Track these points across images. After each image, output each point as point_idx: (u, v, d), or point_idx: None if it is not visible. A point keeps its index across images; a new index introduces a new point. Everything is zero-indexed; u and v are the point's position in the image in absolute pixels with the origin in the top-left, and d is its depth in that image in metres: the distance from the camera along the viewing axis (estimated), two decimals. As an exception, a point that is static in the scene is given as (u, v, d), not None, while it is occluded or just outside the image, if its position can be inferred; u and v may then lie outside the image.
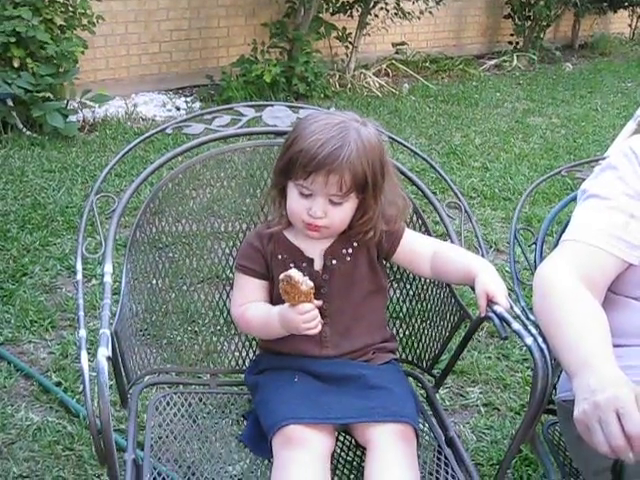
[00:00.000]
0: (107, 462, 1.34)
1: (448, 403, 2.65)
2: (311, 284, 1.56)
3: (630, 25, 12.61)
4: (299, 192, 1.63)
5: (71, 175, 4.70)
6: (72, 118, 5.58)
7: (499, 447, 2.43)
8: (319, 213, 1.62)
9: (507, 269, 3.25)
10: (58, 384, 2.63)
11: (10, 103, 5.28)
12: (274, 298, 1.72)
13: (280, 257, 1.72)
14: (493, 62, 9.55)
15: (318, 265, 1.72)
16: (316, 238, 1.69)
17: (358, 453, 1.69)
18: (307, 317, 1.58)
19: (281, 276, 1.55)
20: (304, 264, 1.70)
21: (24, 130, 5.35)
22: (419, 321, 1.97)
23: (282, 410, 1.57)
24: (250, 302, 1.73)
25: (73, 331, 2.94)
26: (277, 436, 1.54)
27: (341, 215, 1.64)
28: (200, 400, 1.86)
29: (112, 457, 1.33)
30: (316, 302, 1.59)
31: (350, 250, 1.73)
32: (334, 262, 1.71)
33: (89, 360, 1.40)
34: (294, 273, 1.54)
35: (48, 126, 5.27)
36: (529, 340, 1.45)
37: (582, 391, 1.30)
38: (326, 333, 1.69)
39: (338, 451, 1.69)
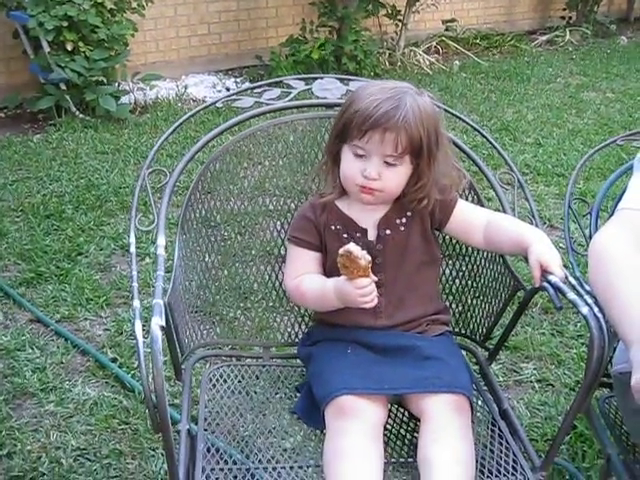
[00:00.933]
0: (161, 431, 1.35)
1: (502, 379, 2.63)
2: (369, 258, 1.55)
3: (688, -4, 12.24)
4: (354, 153, 1.63)
5: (123, 156, 4.76)
6: (124, 100, 5.65)
7: (553, 423, 2.40)
8: (374, 174, 1.61)
9: (561, 245, 3.20)
10: (114, 360, 2.68)
11: (63, 87, 5.36)
12: (327, 270, 1.72)
13: (333, 228, 1.71)
14: (545, 37, 9.36)
15: (372, 235, 1.71)
16: (370, 203, 1.68)
17: (411, 425, 1.69)
18: (365, 291, 1.58)
19: (340, 251, 1.54)
20: (358, 234, 1.70)
21: (77, 113, 5.43)
22: (472, 296, 1.95)
23: (335, 380, 1.57)
24: (304, 274, 1.73)
25: (127, 308, 2.99)
26: (330, 406, 1.54)
27: (395, 178, 1.64)
28: (253, 374, 1.87)
29: (166, 425, 1.34)
30: (373, 277, 1.58)
31: (404, 220, 1.72)
32: (388, 232, 1.71)
33: (143, 336, 1.41)
34: (353, 248, 1.53)
35: (101, 109, 5.34)
36: (585, 309, 1.42)
37: (640, 360, 1.28)
38: (380, 304, 1.68)
39: (391, 423, 1.68)
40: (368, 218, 1.72)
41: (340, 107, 1.73)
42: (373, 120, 1.58)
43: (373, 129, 1.58)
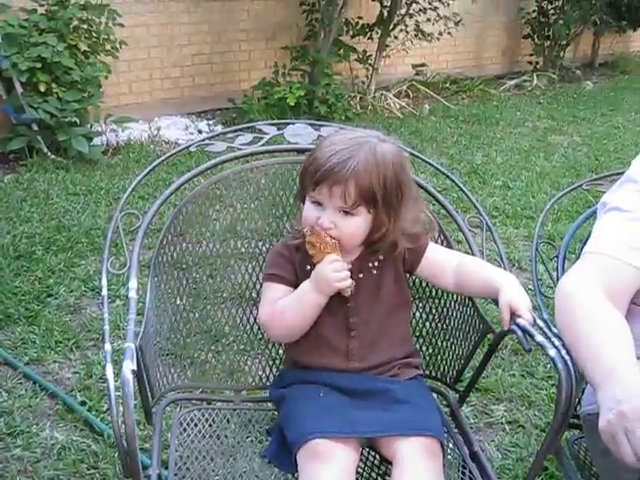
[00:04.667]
0: (132, 476, 1.34)
1: (473, 421, 2.63)
2: (335, 240, 1.60)
3: (651, 43, 12.57)
4: (311, 201, 1.66)
5: (95, 198, 4.75)
6: (96, 142, 5.65)
7: (524, 465, 2.41)
8: (326, 224, 1.63)
9: (530, 287, 3.23)
10: (83, 403, 2.65)
11: (35, 128, 5.35)
12: None
13: (308, 267, 1.71)
14: (513, 82, 9.55)
15: None
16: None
17: (382, 469, 1.69)
18: (336, 266, 1.61)
19: (305, 229, 1.57)
20: None
21: (49, 154, 5.42)
22: (442, 338, 1.97)
23: (308, 424, 1.57)
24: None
25: (97, 351, 2.96)
26: (302, 450, 1.54)
27: (351, 227, 1.64)
28: (224, 417, 1.87)
29: (137, 469, 1.33)
30: (345, 264, 1.63)
31: (376, 263, 1.74)
32: (360, 275, 1.72)
33: (114, 378, 1.41)
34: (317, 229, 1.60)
35: (73, 150, 5.34)
36: (552, 352, 1.44)
37: (607, 401, 1.30)
38: (352, 346, 1.70)
39: (362, 467, 1.68)
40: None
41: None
42: (321, 173, 1.60)
43: (322, 182, 1.60)
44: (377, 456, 1.70)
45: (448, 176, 2.09)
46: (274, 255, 1.79)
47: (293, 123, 2.04)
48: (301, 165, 1.73)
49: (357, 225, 1.65)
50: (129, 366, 1.36)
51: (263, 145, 1.98)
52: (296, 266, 1.74)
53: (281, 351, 1.97)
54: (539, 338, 1.50)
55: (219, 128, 6.80)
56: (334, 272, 1.61)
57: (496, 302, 1.62)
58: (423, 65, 8.82)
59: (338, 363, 1.71)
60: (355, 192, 1.59)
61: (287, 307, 1.69)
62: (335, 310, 1.69)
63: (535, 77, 9.59)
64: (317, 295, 1.65)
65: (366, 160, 1.60)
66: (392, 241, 1.69)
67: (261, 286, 1.84)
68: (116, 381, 1.40)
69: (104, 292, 1.66)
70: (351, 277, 1.70)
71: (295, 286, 1.73)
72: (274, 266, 1.76)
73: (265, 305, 1.74)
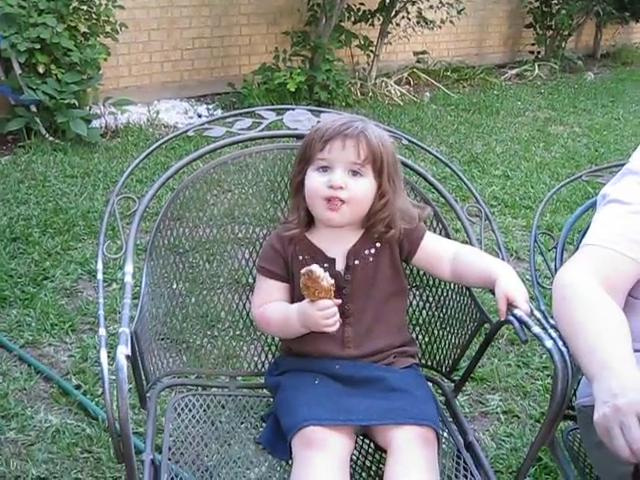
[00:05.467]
0: (125, 460, 1.34)
1: (468, 410, 2.63)
2: (332, 281, 1.56)
3: (653, 35, 12.55)
4: (318, 168, 1.67)
5: (93, 181, 4.74)
6: (95, 124, 5.64)
7: (519, 455, 2.41)
8: (339, 182, 1.64)
9: (528, 277, 3.23)
10: (77, 387, 2.65)
11: (34, 109, 5.33)
12: (295, 299, 1.72)
13: (301, 258, 1.73)
14: (514, 71, 9.53)
15: (340, 265, 1.72)
16: (336, 223, 1.69)
17: (377, 457, 1.68)
18: (326, 313, 1.59)
19: (302, 270, 1.56)
20: (326, 264, 1.71)
21: (47, 136, 5.41)
22: (438, 327, 1.96)
23: (303, 411, 1.57)
24: (269, 302, 1.74)
25: (93, 335, 2.96)
26: (297, 437, 1.54)
27: (361, 189, 1.67)
28: (219, 403, 1.86)
29: (130, 453, 1.33)
30: (335, 300, 1.59)
31: (373, 250, 1.74)
32: (357, 262, 1.72)
33: (109, 363, 1.40)
34: (315, 268, 1.55)
35: (71, 132, 5.32)
36: (549, 343, 1.44)
37: (603, 395, 1.29)
38: (348, 333, 1.70)
39: (357, 455, 1.68)
40: (337, 248, 1.73)
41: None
42: (332, 130, 1.66)
43: (333, 138, 1.65)
44: (372, 444, 1.70)
45: (447, 164, 2.07)
46: (267, 247, 1.80)
47: (293, 109, 2.02)
48: (302, 143, 1.75)
49: (366, 187, 1.68)
50: (123, 351, 1.36)
51: (262, 130, 1.96)
52: (288, 259, 1.74)
53: (277, 338, 1.96)
54: (536, 329, 1.50)
55: (218, 112, 6.78)
56: (324, 319, 1.60)
57: (493, 292, 1.61)
58: (424, 52, 8.79)
59: (334, 350, 1.70)
60: (367, 147, 1.65)
61: (273, 320, 1.73)
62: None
63: (536, 67, 9.57)
64: (303, 328, 1.67)
65: (370, 127, 1.70)
66: (390, 219, 1.71)
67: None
68: (111, 365, 1.39)
69: (99, 276, 1.65)
70: (346, 264, 1.71)
71: (286, 280, 1.75)
72: (266, 259, 1.78)
73: (256, 302, 1.78)
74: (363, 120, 1.71)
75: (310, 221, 1.76)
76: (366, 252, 1.73)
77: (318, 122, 1.95)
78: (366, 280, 1.73)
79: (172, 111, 6.69)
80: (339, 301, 1.61)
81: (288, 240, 1.75)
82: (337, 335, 1.68)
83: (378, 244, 1.74)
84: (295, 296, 1.72)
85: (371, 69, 7.88)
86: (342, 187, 1.64)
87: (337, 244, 1.73)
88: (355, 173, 1.66)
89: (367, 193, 1.68)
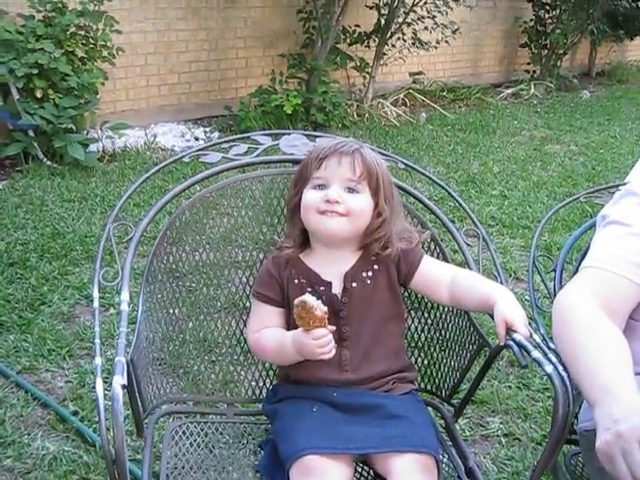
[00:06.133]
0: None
1: (468, 433, 2.61)
2: (325, 309, 1.55)
3: (647, 53, 12.62)
4: (314, 186, 1.69)
5: (90, 205, 4.73)
6: (92, 148, 5.63)
7: (520, 478, 2.39)
8: (335, 196, 1.65)
9: (527, 297, 3.22)
10: (75, 413, 2.63)
11: (31, 134, 5.34)
12: (291, 324, 1.71)
13: (297, 281, 1.72)
14: (510, 90, 9.57)
15: (337, 288, 1.72)
16: (334, 232, 1.68)
17: (377, 484, 1.67)
18: (322, 342, 1.58)
19: (295, 301, 1.54)
20: (322, 288, 1.70)
21: (45, 160, 5.41)
22: (438, 350, 1.95)
23: (301, 440, 1.55)
24: (265, 328, 1.73)
25: (91, 360, 2.94)
26: (295, 466, 1.52)
27: (358, 203, 1.68)
28: (217, 430, 1.85)
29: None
30: (330, 327, 1.58)
31: (370, 273, 1.73)
32: (354, 285, 1.71)
33: (105, 389, 1.39)
34: (308, 298, 1.53)
35: (69, 157, 5.32)
36: (549, 368, 1.43)
37: (604, 420, 1.28)
38: (345, 356, 1.69)
39: (356, 482, 1.66)
40: (333, 271, 1.72)
41: None
42: (327, 149, 1.70)
43: (329, 156, 1.68)
44: (371, 472, 1.68)
45: (443, 187, 2.07)
46: (263, 272, 1.80)
47: (289, 134, 2.02)
48: (300, 165, 1.77)
49: (362, 202, 1.69)
50: (119, 381, 1.35)
51: (258, 155, 1.96)
52: (284, 283, 1.74)
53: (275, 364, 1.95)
54: (535, 354, 1.48)
55: (215, 135, 6.80)
56: (319, 347, 1.59)
57: (492, 316, 1.60)
58: (420, 73, 8.83)
59: (332, 374, 1.69)
60: (362, 164, 1.68)
61: (268, 347, 1.72)
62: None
63: (532, 86, 9.61)
64: (298, 356, 1.66)
65: (366, 147, 1.74)
66: (387, 238, 1.71)
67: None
68: (108, 391, 1.38)
69: (96, 304, 1.64)
70: (344, 287, 1.70)
71: (282, 305, 1.74)
72: (261, 284, 1.77)
73: (252, 327, 1.77)
74: (357, 142, 1.74)
75: (305, 242, 1.75)
76: (363, 274, 1.73)
77: (314, 146, 1.95)
78: (363, 303, 1.72)
79: (169, 134, 6.70)
80: (333, 328, 1.60)
81: (284, 264, 1.74)
82: (334, 359, 1.66)
83: (376, 266, 1.73)
84: (291, 321, 1.71)
85: (367, 90, 7.90)
86: (338, 201, 1.65)
87: (333, 266, 1.72)
88: (351, 190, 1.67)
89: (364, 208, 1.68)
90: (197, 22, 7.08)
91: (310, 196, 1.69)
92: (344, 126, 7.12)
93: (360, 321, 1.72)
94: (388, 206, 1.71)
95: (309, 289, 1.70)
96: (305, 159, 1.75)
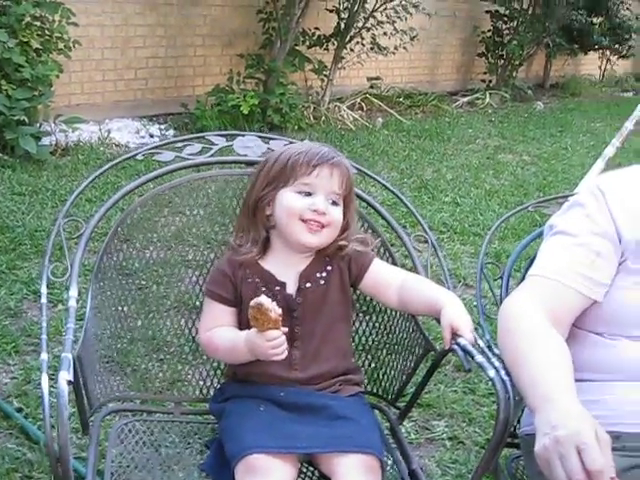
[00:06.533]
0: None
1: (414, 436, 2.64)
2: (280, 311, 1.56)
3: (600, 67, 12.91)
4: (299, 191, 1.68)
5: (41, 199, 4.67)
6: (45, 141, 5.56)
7: (463, 481, 2.42)
8: (322, 207, 1.67)
9: (475, 304, 3.26)
10: (19, 410, 2.59)
11: (-19, 125, 5.26)
12: (242, 323, 1.71)
13: (250, 281, 1.72)
14: (466, 99, 9.69)
15: (291, 288, 1.73)
16: (314, 245, 1.71)
17: (321, 485, 1.68)
18: (275, 343, 1.58)
19: (251, 303, 1.55)
20: (277, 287, 1.72)
21: (-5, 152, 5.33)
22: (385, 353, 1.97)
23: (247, 438, 1.56)
24: (217, 327, 1.73)
25: (37, 356, 2.90)
26: (241, 465, 1.52)
27: (338, 215, 1.71)
28: (163, 429, 1.84)
29: (69, 478, 1.31)
30: (283, 329, 1.59)
31: (324, 274, 1.75)
32: (308, 285, 1.73)
33: (51, 386, 1.38)
34: (264, 300, 1.54)
35: (20, 149, 5.25)
36: (492, 372, 1.46)
37: (543, 426, 1.31)
38: (295, 355, 1.70)
39: (301, 483, 1.67)
40: (288, 272, 1.74)
41: (260, 165, 1.77)
42: (320, 156, 1.68)
43: (322, 165, 1.68)
44: (316, 472, 1.69)
45: (395, 194, 2.10)
46: (216, 271, 1.79)
47: (242, 135, 2.03)
48: (265, 171, 1.73)
49: (340, 214, 1.72)
50: (65, 377, 1.34)
51: (212, 156, 1.96)
52: (237, 282, 1.74)
53: (222, 363, 1.95)
54: (479, 358, 1.51)
55: (171, 133, 6.76)
56: (272, 349, 1.59)
57: (439, 321, 1.63)
58: (378, 78, 8.89)
59: (280, 372, 1.70)
60: (347, 179, 1.71)
61: (221, 346, 1.72)
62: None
63: (488, 95, 9.75)
64: (251, 356, 1.66)
65: (344, 159, 1.75)
66: (349, 238, 1.75)
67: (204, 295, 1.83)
68: (53, 389, 1.37)
69: (43, 300, 1.63)
70: (298, 287, 1.72)
71: (234, 305, 1.74)
72: (214, 283, 1.77)
73: (204, 327, 1.76)
74: (334, 149, 1.75)
75: (265, 246, 1.76)
76: (317, 275, 1.75)
77: (268, 149, 1.96)
78: (316, 303, 1.74)
79: (124, 130, 6.65)
80: (286, 329, 1.61)
81: (238, 264, 1.75)
82: (285, 357, 1.67)
83: (329, 267, 1.75)
84: (243, 320, 1.71)
85: (324, 93, 7.93)
86: (325, 213, 1.67)
87: (288, 267, 1.74)
88: (333, 202, 1.70)
89: (341, 220, 1.72)
90: (156, 18, 7.04)
91: (294, 201, 1.68)
92: (300, 128, 7.14)
93: (312, 321, 1.73)
94: (352, 214, 1.76)
95: (264, 289, 1.70)
96: (289, 158, 1.70)
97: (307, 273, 1.74)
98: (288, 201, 1.69)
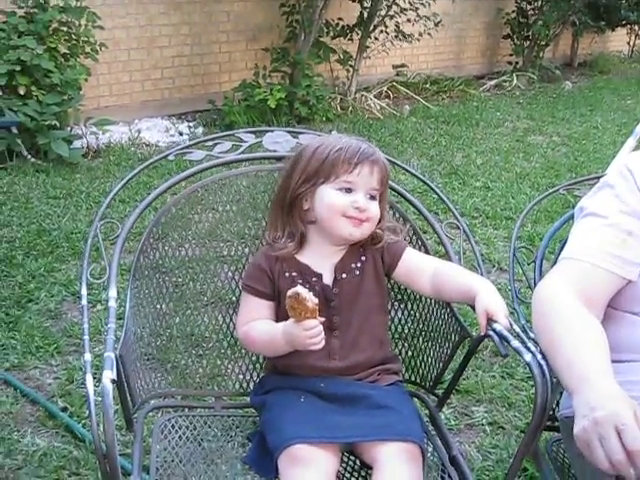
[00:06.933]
0: (112, 481, 1.35)
1: (453, 423, 2.65)
2: (316, 300, 1.58)
3: (629, 43, 12.69)
4: (339, 189, 1.71)
5: (75, 201, 4.74)
6: (76, 144, 5.63)
7: (505, 466, 2.43)
8: (364, 205, 1.70)
9: (510, 288, 3.26)
10: (64, 409, 2.64)
11: (15, 131, 5.33)
12: (280, 317, 1.73)
13: (288, 274, 1.75)
14: (493, 82, 9.60)
15: (328, 279, 1.75)
16: (357, 238, 1.74)
17: (363, 474, 1.69)
18: (312, 333, 1.60)
19: (288, 293, 1.56)
20: (314, 279, 1.74)
21: (29, 157, 5.40)
22: (422, 341, 1.98)
23: (289, 429, 1.58)
24: (254, 320, 1.75)
25: (79, 356, 2.96)
26: (283, 455, 1.55)
27: (376, 210, 1.74)
28: (205, 423, 1.87)
29: (116, 474, 1.34)
30: (320, 318, 1.61)
31: (359, 264, 1.77)
32: (344, 276, 1.76)
33: (94, 385, 1.41)
34: (301, 290, 1.56)
35: (53, 153, 5.33)
36: (528, 357, 1.46)
37: (581, 408, 1.31)
38: (334, 345, 1.72)
39: (343, 471, 1.69)
40: (324, 264, 1.76)
41: (293, 159, 1.78)
42: (362, 153, 1.71)
43: (362, 162, 1.70)
44: (357, 461, 1.71)
45: (425, 182, 2.10)
46: (253, 266, 1.81)
47: (272, 130, 2.04)
48: (301, 166, 1.74)
49: (378, 209, 1.75)
50: (109, 376, 1.37)
51: (242, 153, 1.98)
52: (275, 276, 1.76)
53: (262, 356, 1.98)
54: (515, 343, 1.52)
55: (200, 130, 6.80)
56: (310, 338, 1.61)
57: (474, 308, 1.64)
58: (403, 66, 8.86)
59: (319, 362, 1.72)
60: (385, 175, 1.75)
61: (258, 339, 1.75)
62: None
63: (515, 77, 9.65)
64: (289, 347, 1.68)
65: (380, 153, 1.77)
66: (383, 229, 1.78)
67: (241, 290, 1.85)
68: (97, 388, 1.40)
69: (84, 301, 1.66)
70: (334, 278, 1.74)
71: (272, 299, 1.76)
72: (252, 278, 1.79)
73: (241, 321, 1.79)
74: (371, 145, 1.77)
75: (302, 240, 1.78)
76: (352, 265, 1.77)
77: (298, 143, 1.98)
78: (352, 293, 1.76)
79: (153, 129, 6.70)
80: (323, 319, 1.62)
81: (275, 259, 1.76)
82: (323, 348, 1.68)
83: (363, 257, 1.77)
84: (280, 314, 1.73)
85: (351, 83, 7.92)
86: (366, 209, 1.71)
87: (324, 259, 1.76)
88: (372, 197, 1.73)
89: (378, 214, 1.75)
90: (180, 17, 7.08)
91: (336, 198, 1.71)
92: (328, 119, 7.14)
93: (349, 311, 1.75)
94: (386, 206, 1.80)
95: (300, 281, 1.72)
96: (329, 155, 1.70)
97: (342, 264, 1.76)
98: (330, 198, 1.71)
